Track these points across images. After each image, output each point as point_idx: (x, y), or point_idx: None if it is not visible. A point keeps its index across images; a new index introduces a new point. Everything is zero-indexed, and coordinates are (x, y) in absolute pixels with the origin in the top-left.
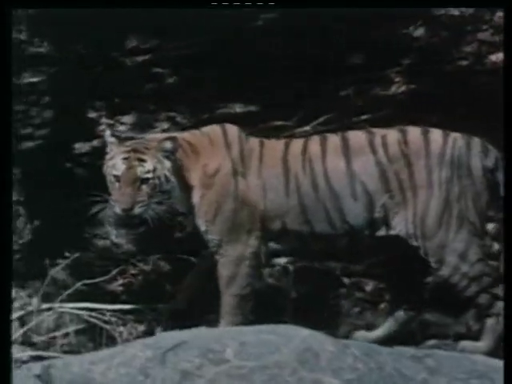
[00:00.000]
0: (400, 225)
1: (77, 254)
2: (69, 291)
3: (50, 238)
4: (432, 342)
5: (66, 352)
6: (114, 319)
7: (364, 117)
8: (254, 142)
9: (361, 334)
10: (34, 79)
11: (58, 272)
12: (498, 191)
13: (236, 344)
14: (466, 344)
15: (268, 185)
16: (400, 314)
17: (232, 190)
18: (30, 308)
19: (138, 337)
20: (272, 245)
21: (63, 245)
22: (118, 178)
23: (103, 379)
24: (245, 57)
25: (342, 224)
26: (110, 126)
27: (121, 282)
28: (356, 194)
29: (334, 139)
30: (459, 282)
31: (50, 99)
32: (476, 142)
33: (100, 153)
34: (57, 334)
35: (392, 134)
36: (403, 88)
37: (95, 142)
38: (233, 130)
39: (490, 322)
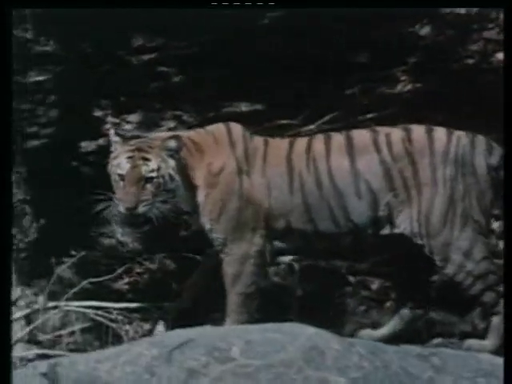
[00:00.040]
0: (404, 223)
1: (83, 253)
2: (75, 290)
3: (56, 236)
4: (438, 340)
5: (71, 350)
6: (119, 317)
7: (370, 115)
8: (258, 140)
9: (366, 332)
10: (40, 78)
11: (63, 270)
12: (502, 189)
13: (242, 342)
14: (471, 342)
15: (272, 183)
16: (405, 312)
17: (236, 189)
18: (35, 306)
19: (144, 335)
20: (276, 243)
21: (69, 243)
22: (122, 177)
23: (109, 377)
24: (250, 56)
25: (346, 222)
26: (116, 124)
27: (127, 280)
28: (360, 192)
29: (338, 138)
30: (464, 280)
31: (56, 98)
32: (480, 140)
33: (106, 151)
34: (63, 332)
35: (396, 133)
36: (409, 86)
37: (101, 141)
38: (237, 128)
39: (495, 320)
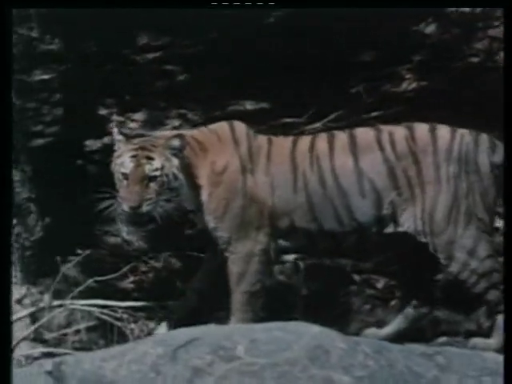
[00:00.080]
0: (408, 221)
1: (88, 251)
2: (80, 288)
3: (62, 235)
4: (443, 339)
5: (77, 349)
6: (125, 316)
7: (375, 114)
8: (261, 139)
9: (371, 331)
10: (45, 77)
11: (69, 269)
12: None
13: (247, 341)
14: (477, 341)
15: (276, 182)
16: (409, 311)
17: (240, 187)
18: (41, 305)
19: (150, 334)
20: (280, 242)
21: (74, 242)
22: (126, 176)
23: (114, 376)
24: (255, 55)
25: (350, 221)
26: (121, 123)
27: (132, 279)
28: (364, 191)
29: (341, 136)
30: (468, 279)
31: (61, 96)
32: (483, 137)
33: (111, 150)
34: (68, 330)
35: (399, 131)
36: (414, 85)
37: (106, 139)
38: (241, 127)
39: (500, 318)
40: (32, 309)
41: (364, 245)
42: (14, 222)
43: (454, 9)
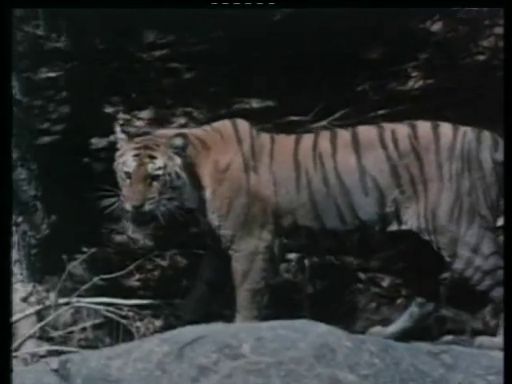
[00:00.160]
0: (411, 219)
1: (94, 249)
2: (86, 286)
3: (68, 233)
4: (449, 337)
5: (83, 347)
6: (131, 314)
7: (381, 112)
8: (264, 137)
9: (377, 329)
10: (51, 74)
11: (75, 267)
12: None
13: (252, 339)
14: (483, 340)
15: (279, 180)
16: (415, 309)
17: (244, 185)
18: (47, 303)
19: (155, 332)
20: (283, 240)
21: (80, 240)
22: (128, 175)
23: (120, 374)
24: (261, 53)
25: (353, 219)
26: (127, 121)
27: (138, 277)
28: (367, 189)
29: (344, 134)
30: (473, 276)
31: (67, 94)
32: (486, 135)
33: (117, 148)
34: (74, 328)
35: (402, 129)
36: (420, 83)
37: (112, 137)
38: (244, 125)
39: None
40: (38, 307)
41: (367, 243)
42: (20, 219)
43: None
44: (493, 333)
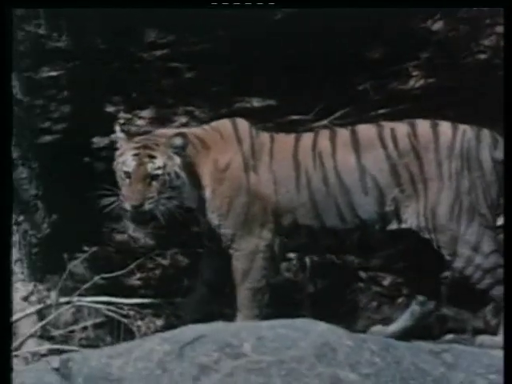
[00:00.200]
0: (411, 218)
1: (95, 248)
2: (87, 285)
3: (69, 232)
4: (450, 336)
5: (84, 346)
6: (132, 313)
7: (382, 111)
8: (264, 136)
9: (377, 328)
10: (53, 74)
11: (76, 266)
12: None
13: (253, 338)
14: (484, 338)
15: (279, 179)
16: (415, 308)
17: (244, 184)
18: (48, 302)
19: (156, 331)
20: (283, 239)
21: (81, 239)
22: (128, 175)
23: (121, 373)
24: (262, 52)
25: (353, 218)
26: (128, 120)
27: (139, 276)
28: (366, 188)
29: (343, 133)
30: (473, 274)
31: (69, 93)
32: (485, 133)
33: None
34: (75, 327)
35: (401, 128)
36: (421, 82)
37: (113, 136)
38: (243, 124)
39: None
40: (39, 306)
41: (367, 242)
42: (21, 218)
43: None
44: (494, 332)
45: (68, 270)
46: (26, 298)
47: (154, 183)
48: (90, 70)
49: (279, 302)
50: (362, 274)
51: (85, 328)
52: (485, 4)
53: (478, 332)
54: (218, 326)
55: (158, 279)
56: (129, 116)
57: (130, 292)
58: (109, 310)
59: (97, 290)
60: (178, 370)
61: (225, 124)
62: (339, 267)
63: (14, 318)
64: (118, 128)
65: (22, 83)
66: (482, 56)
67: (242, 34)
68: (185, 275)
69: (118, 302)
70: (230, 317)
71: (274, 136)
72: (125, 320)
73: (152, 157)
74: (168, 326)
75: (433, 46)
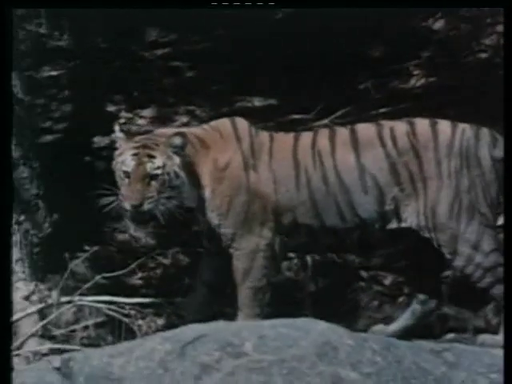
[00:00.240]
0: (411, 217)
1: (96, 248)
2: (88, 285)
3: (70, 231)
4: (451, 335)
5: (85, 345)
6: (133, 312)
7: (383, 110)
8: (263, 135)
9: (379, 327)
10: (54, 73)
11: (77, 265)
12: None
13: (255, 337)
14: (485, 338)
15: (278, 178)
16: (416, 307)
17: (243, 183)
18: (49, 301)
19: (158, 330)
20: (283, 238)
21: (83, 238)
22: (127, 174)
23: (122, 372)
24: (264, 51)
25: (353, 217)
26: (130, 119)
27: (140, 275)
28: (366, 187)
29: (342, 132)
30: (474, 273)
31: (70, 93)
32: (484, 132)
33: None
34: (76, 327)
35: (400, 126)
36: (422, 81)
37: (113, 136)
38: (242, 123)
39: None
40: (40, 305)
41: (367, 241)
42: (22, 218)
43: None
44: (495, 331)
45: (69, 270)
46: (27, 298)
47: (154, 183)
48: (90, 70)
49: (280, 301)
50: (363, 273)
51: (86, 327)
52: (485, 4)
53: (479, 331)
54: (219, 325)
55: (159, 278)
56: (130, 115)
57: (131, 291)
58: (110, 309)
59: (98, 290)
60: (180, 370)
61: (224, 123)
62: (340, 266)
63: (16, 317)
64: (117, 128)
65: (23, 82)
66: (483, 55)
67: (244, 33)
68: (186, 274)
69: (119, 302)
70: (231, 316)
71: (274, 135)
72: (126, 319)
73: (151, 156)
74: (169, 326)
75: (434, 44)
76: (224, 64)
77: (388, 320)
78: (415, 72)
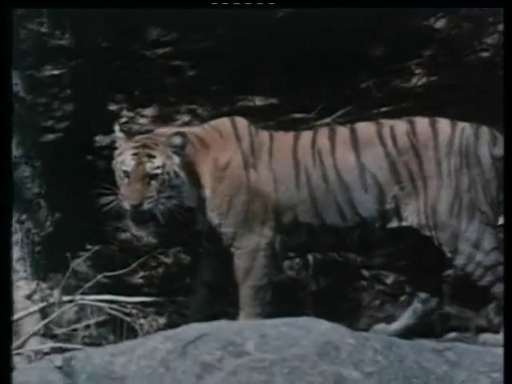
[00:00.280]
0: (412, 216)
1: (98, 247)
2: (90, 283)
3: (71, 230)
4: (453, 334)
5: (87, 344)
6: (134, 311)
7: (384, 109)
8: (263, 134)
9: (380, 326)
10: (56, 72)
11: (79, 264)
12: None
13: (256, 337)
14: (486, 337)
15: (278, 177)
16: (417, 305)
17: (244, 182)
18: (51, 300)
19: (159, 329)
20: (284, 237)
21: (84, 237)
22: (127, 174)
23: (124, 371)
24: (265, 51)
25: (354, 216)
26: (131, 118)
27: (141, 274)
28: (366, 186)
29: (342, 131)
30: (474, 271)
31: (71, 92)
32: (484, 130)
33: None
34: (78, 326)
35: (400, 125)
36: (424, 80)
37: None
38: (242, 122)
39: None
40: (42, 304)
41: (367, 240)
42: (24, 217)
43: None
44: (497, 330)
45: (71, 269)
46: (28, 297)
47: (153, 183)
48: (92, 69)
49: (282, 300)
50: (365, 273)
51: (88, 326)
52: (485, 4)
53: (480, 330)
54: (221, 324)
55: (161, 277)
56: (131, 114)
57: (133, 290)
58: (112, 308)
59: (100, 289)
60: (181, 369)
61: (224, 122)
62: (342, 265)
63: (17, 316)
64: (117, 127)
65: (25, 81)
66: (485, 54)
67: (246, 32)
68: (187, 274)
69: (121, 301)
70: (232, 315)
71: (273, 134)
72: (128, 318)
73: (151, 156)
74: (171, 325)
75: (435, 43)
76: (225, 63)
77: (390, 319)
78: (417, 71)
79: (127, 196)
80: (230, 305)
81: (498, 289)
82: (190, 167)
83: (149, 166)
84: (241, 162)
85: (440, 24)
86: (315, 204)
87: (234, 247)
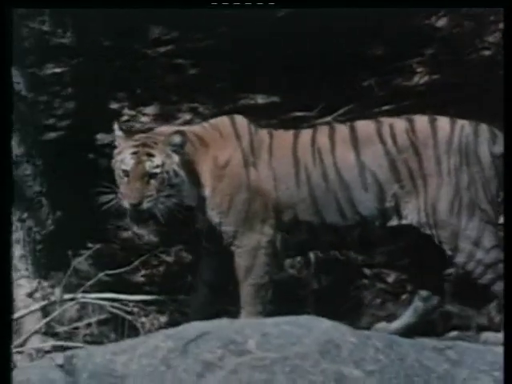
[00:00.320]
0: (412, 214)
1: (99, 245)
2: (91, 282)
3: (73, 228)
4: (454, 333)
5: (88, 342)
6: (136, 310)
7: (386, 107)
8: (263, 133)
9: (381, 325)
10: (57, 70)
11: (80, 263)
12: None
13: (258, 335)
14: (488, 335)
15: (278, 176)
16: (418, 304)
17: (244, 181)
18: (52, 298)
19: (161, 327)
20: (284, 235)
21: (86, 236)
22: (126, 173)
23: (125, 370)
24: (267, 49)
25: (354, 215)
26: (133, 117)
27: (143, 272)
28: (366, 184)
29: (342, 130)
30: (475, 269)
31: (73, 90)
32: (483, 128)
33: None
34: (79, 324)
35: (400, 124)
36: (425, 78)
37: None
38: (242, 121)
39: None
40: (43, 302)
41: (368, 238)
42: (26, 215)
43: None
44: (498, 328)
45: (72, 267)
46: (30, 295)
47: (153, 181)
48: (94, 67)
49: (283, 298)
50: (366, 271)
51: (89, 325)
52: (485, 4)
53: (482, 329)
54: (222, 322)
55: (162, 276)
56: (133, 113)
57: (135, 289)
58: (113, 306)
59: (101, 287)
60: (182, 367)
61: (223, 121)
62: (343, 264)
63: (19, 314)
64: (116, 126)
65: (26, 79)
66: (487, 52)
67: (247, 31)
68: (189, 272)
69: (123, 299)
70: (233, 314)
71: (273, 132)
72: (129, 317)
73: (150, 155)
74: (172, 323)
75: (437, 42)
76: (226, 62)
77: (391, 317)
78: (418, 69)
79: (127, 195)
80: (231, 303)
81: (499, 287)
82: (189, 166)
83: (148, 165)
84: (241, 161)
85: (441, 23)
86: (315, 202)
87: (234, 246)
